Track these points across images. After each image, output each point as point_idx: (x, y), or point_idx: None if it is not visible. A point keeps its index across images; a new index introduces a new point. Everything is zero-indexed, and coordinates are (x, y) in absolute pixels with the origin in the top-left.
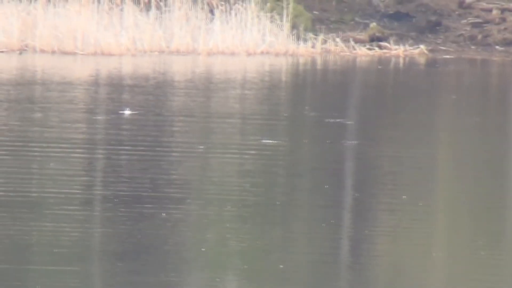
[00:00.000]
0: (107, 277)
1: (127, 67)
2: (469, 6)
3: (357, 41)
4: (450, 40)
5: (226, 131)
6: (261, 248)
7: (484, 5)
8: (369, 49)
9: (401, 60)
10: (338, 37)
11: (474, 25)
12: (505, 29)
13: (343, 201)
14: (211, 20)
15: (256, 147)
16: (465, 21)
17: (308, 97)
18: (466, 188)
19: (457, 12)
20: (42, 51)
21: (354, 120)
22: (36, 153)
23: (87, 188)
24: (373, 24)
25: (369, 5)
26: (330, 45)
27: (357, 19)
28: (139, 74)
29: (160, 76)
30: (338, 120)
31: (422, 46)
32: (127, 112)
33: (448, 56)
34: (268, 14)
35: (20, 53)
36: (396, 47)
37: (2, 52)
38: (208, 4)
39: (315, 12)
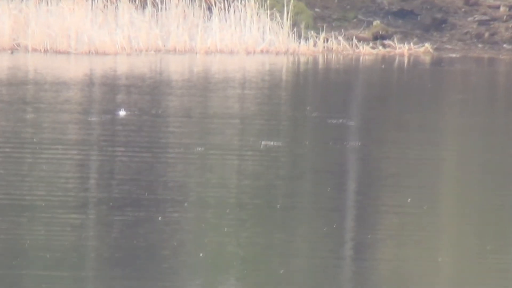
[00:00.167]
0: (102, 283)
1: (122, 66)
2: (476, 3)
3: (360, 39)
4: (456, 38)
5: (225, 132)
6: (261, 253)
7: (491, 2)
8: (373, 47)
9: (405, 59)
10: (340, 35)
11: (481, 22)
12: None
13: (346, 204)
14: (209, 17)
15: (256, 149)
16: (471, 18)
17: (309, 97)
18: (473, 190)
19: (463, 9)
20: (35, 50)
21: (357, 121)
22: (29, 155)
23: (81, 191)
24: (376, 22)
25: (373, 2)
26: (332, 44)
27: (360, 16)
28: (134, 74)
29: (156, 76)
30: (340, 120)
31: (427, 45)
32: (122, 113)
33: (454, 55)
34: (268, 12)
35: (12, 52)
36: (401, 45)
37: None
38: (206, 1)
39: (316, 9)
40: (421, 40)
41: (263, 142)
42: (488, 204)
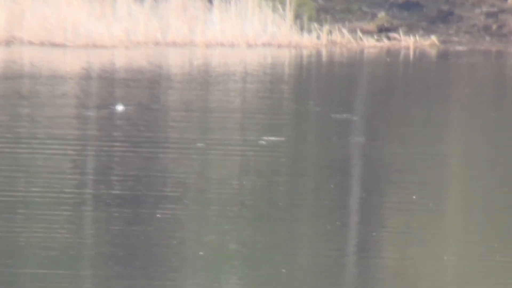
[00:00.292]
0: (99, 281)
1: (120, 60)
2: None
3: (364, 31)
4: (463, 30)
5: (225, 127)
6: (262, 252)
7: None
8: (377, 40)
9: (411, 52)
10: (344, 27)
11: (489, 14)
12: None
13: (349, 201)
14: (210, 9)
15: (257, 144)
16: (479, 10)
17: (312, 91)
18: (480, 187)
19: (470, 1)
20: (30, 42)
21: (361, 115)
22: (24, 150)
23: (78, 188)
24: (381, 14)
25: None
26: (336, 36)
27: (364, 8)
28: (133, 68)
29: (155, 70)
30: (344, 115)
31: (433, 37)
32: (119, 107)
33: (460, 48)
34: (270, 3)
35: (7, 45)
36: (406, 38)
37: None
38: None
39: (319, 1)
40: (427, 32)
41: (264, 138)
42: (495, 201)
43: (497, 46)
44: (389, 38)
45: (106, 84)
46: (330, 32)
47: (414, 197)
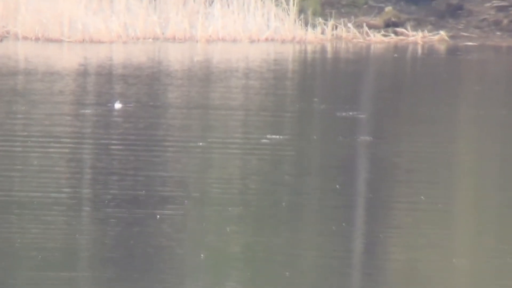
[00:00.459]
0: (97, 284)
1: (118, 55)
2: None
3: (371, 26)
4: (472, 25)
5: (228, 125)
6: (265, 254)
7: None
8: (384, 35)
9: (419, 48)
10: (350, 22)
11: (499, 8)
12: None
13: (356, 201)
14: (211, 3)
15: (260, 143)
16: (489, 4)
17: (317, 88)
18: (489, 186)
19: None
20: (25, 38)
21: (367, 113)
22: (20, 149)
23: (74, 188)
24: (388, 8)
25: None
26: (341, 31)
27: (371, 2)
28: (131, 64)
29: (155, 66)
30: (350, 113)
31: (442, 32)
32: (117, 105)
33: (470, 43)
34: None
35: (1, 40)
36: (414, 33)
37: None
38: None
39: None
40: (436, 27)
41: (268, 136)
42: (505, 201)
43: (508, 41)
44: (396, 33)
45: (103, 80)
46: (335, 27)
47: (422, 197)
